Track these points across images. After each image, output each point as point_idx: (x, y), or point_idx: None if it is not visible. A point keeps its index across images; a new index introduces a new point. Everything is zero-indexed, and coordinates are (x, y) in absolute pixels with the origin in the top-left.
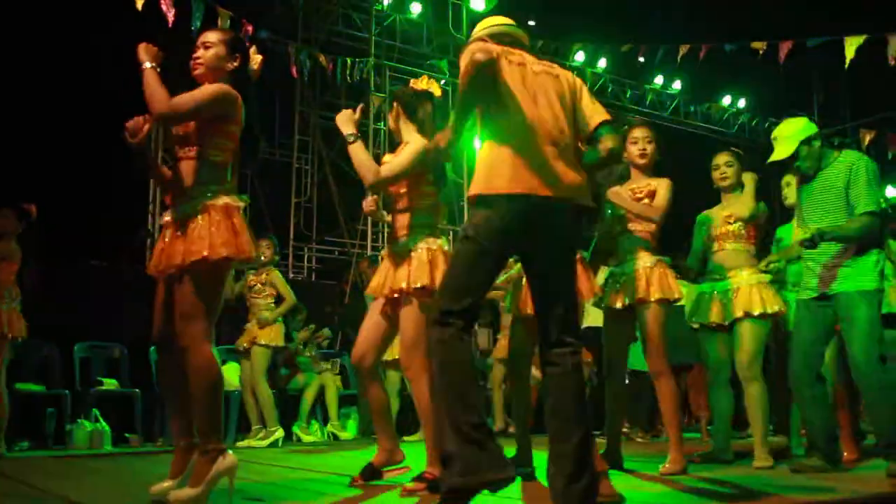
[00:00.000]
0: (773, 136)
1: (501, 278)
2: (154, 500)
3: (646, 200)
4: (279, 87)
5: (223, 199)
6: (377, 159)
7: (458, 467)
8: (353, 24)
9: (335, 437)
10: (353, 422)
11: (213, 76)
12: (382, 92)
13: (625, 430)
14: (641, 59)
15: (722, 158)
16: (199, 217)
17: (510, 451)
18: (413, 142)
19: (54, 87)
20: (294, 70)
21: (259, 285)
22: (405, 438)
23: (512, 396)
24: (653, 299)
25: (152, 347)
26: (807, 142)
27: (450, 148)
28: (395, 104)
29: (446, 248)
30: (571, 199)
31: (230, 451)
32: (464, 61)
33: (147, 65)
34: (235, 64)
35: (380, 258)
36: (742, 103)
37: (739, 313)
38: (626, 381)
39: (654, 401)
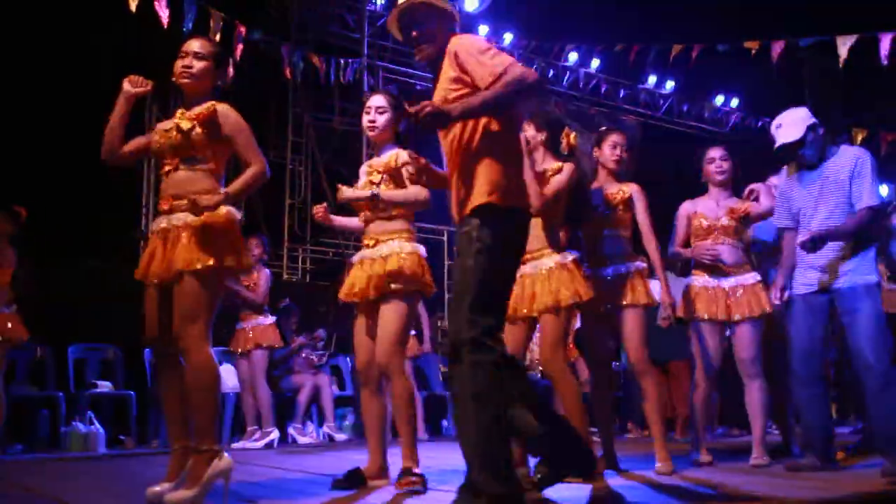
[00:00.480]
0: (775, 124)
1: None
2: (150, 503)
3: (621, 207)
4: (272, 88)
5: (224, 209)
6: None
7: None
8: (346, 24)
9: (330, 439)
10: (348, 423)
11: (199, 88)
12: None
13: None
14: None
15: (717, 152)
16: (203, 226)
17: None
18: (565, 167)
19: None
20: (287, 71)
21: (252, 285)
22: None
23: None
24: (633, 303)
25: (147, 350)
26: (813, 128)
27: None
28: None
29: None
30: None
31: (225, 453)
32: (514, 72)
33: None
34: (220, 82)
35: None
36: (734, 103)
37: (743, 314)
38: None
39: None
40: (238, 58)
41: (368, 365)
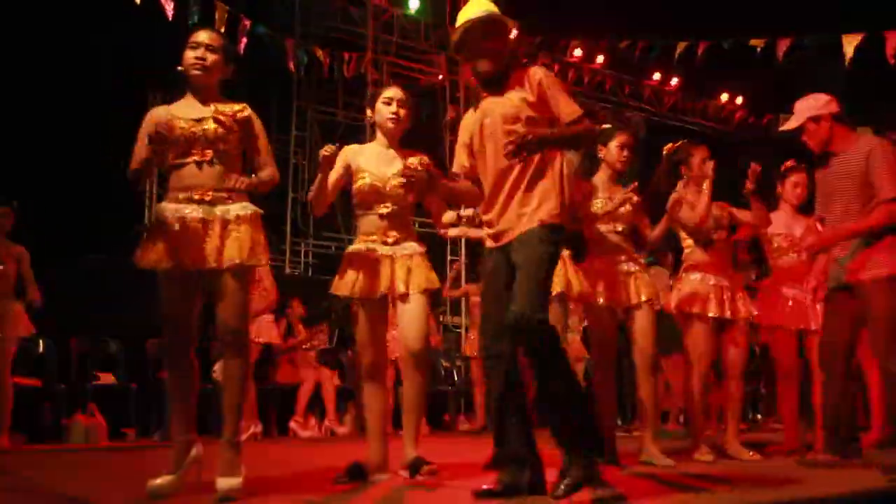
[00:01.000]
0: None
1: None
2: (151, 495)
3: (628, 207)
4: (276, 81)
5: (253, 208)
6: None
7: None
8: (351, 18)
9: (332, 433)
10: (348, 417)
11: (209, 80)
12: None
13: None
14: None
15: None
16: (245, 224)
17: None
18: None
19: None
20: (291, 65)
21: (263, 291)
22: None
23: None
24: (643, 301)
25: (148, 342)
26: (815, 119)
27: None
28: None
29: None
30: None
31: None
32: (587, 122)
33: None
34: (229, 75)
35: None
36: (739, 100)
37: (744, 315)
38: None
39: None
40: (242, 51)
41: (375, 362)
